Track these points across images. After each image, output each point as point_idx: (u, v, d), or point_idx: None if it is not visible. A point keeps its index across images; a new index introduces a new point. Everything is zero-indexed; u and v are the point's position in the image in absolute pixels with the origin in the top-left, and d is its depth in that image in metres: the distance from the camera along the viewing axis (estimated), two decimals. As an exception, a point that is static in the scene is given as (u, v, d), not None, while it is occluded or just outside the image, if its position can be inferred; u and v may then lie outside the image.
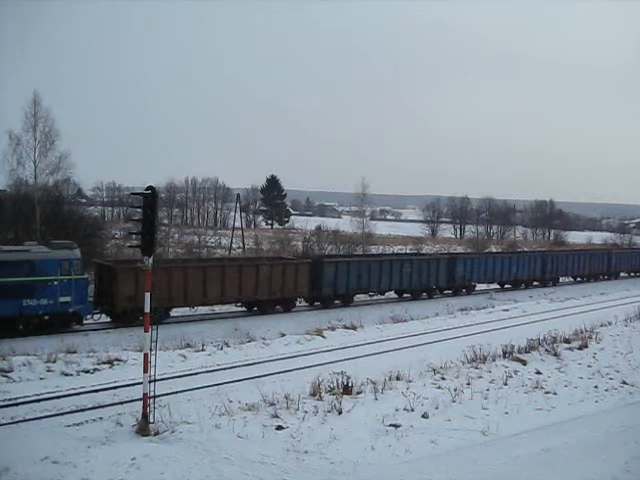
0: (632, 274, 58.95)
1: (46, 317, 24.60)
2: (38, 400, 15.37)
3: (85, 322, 25.84)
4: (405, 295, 38.23)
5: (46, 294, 24.20)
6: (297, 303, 33.48)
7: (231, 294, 29.86)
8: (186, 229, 68.68)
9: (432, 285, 39.28)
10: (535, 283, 47.58)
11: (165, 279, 26.77)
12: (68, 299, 24.79)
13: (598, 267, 54.31)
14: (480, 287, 43.30)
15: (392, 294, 38.23)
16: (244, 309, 31.72)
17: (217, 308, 31.41)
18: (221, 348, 21.70)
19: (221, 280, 29.21)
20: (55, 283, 24.43)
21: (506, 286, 45.54)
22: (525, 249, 70.20)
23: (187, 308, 29.56)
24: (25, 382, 16.86)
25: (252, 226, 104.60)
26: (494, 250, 65.51)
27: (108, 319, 26.96)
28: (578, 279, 52.86)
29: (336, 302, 34.33)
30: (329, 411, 13.47)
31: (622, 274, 57.98)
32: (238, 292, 29.98)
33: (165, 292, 26.32)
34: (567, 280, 52.31)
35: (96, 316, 26.44)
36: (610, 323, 27.24)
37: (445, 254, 48.52)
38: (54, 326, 24.50)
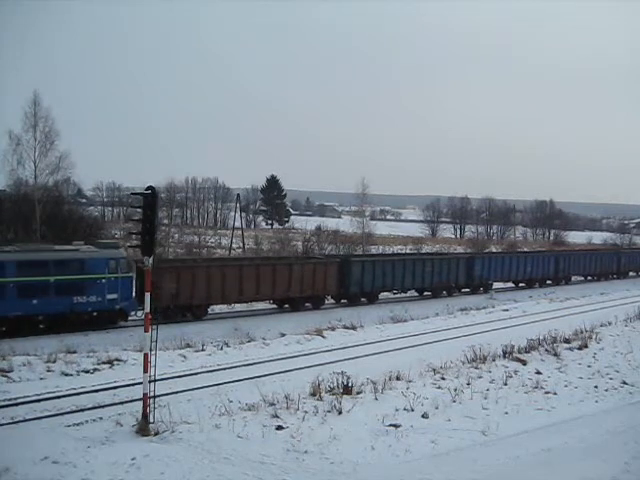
0: None
1: (94, 313, 25.64)
2: (38, 400, 15.37)
3: (129, 318, 26.78)
4: (425, 293, 39.50)
5: (95, 291, 25.38)
6: (326, 301, 34.72)
7: (265, 292, 31.28)
8: (186, 229, 68.72)
9: (452, 283, 40.47)
10: (548, 282, 48.65)
11: (204, 278, 28.60)
12: (115, 296, 26.00)
13: (608, 266, 55.50)
14: (496, 285, 44.49)
15: (408, 292, 39.33)
16: (275, 306, 33.09)
17: (240, 305, 32.23)
18: (221, 348, 21.70)
19: (256, 278, 30.63)
20: (103, 281, 25.63)
21: (520, 285, 46.71)
22: (525, 249, 70.28)
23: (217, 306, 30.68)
24: (25, 382, 16.86)
25: (252, 226, 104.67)
26: (494, 250, 65.64)
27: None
28: (588, 278, 53.92)
29: (362, 300, 35.59)
30: (329, 411, 13.46)
31: (631, 273, 58.99)
32: (272, 290, 31.39)
33: (204, 290, 28.38)
34: (578, 279, 53.37)
35: (139, 313, 26.88)
36: (610, 323, 27.23)
37: (464, 254, 49.87)
38: (101, 322, 25.59)
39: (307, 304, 33.19)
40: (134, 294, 26.92)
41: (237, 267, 31.03)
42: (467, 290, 41.66)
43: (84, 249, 26.42)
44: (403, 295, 39.04)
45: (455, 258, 42.45)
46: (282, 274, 31.71)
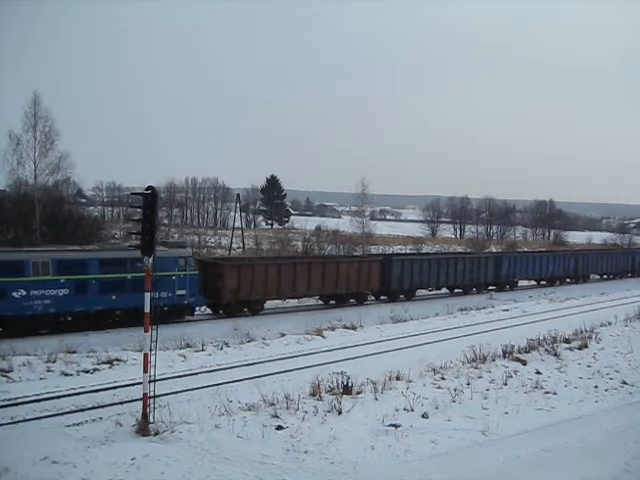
0: None
1: (166, 308, 26.60)
2: (38, 400, 15.36)
3: (195, 313, 28.99)
4: (456, 290, 41.63)
5: (166, 288, 26.89)
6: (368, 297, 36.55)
7: (316, 288, 33.29)
8: (186, 229, 68.77)
9: (481, 281, 42.59)
10: (567, 280, 50.68)
11: (262, 275, 30.62)
12: (184, 292, 27.88)
13: (624, 266, 57.91)
14: (521, 283, 46.82)
15: (439, 290, 41.25)
16: (321, 302, 35.04)
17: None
18: (221, 348, 21.69)
19: (307, 275, 32.62)
20: (173, 278, 27.45)
21: (542, 282, 48.85)
22: (525, 249, 70.28)
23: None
24: (25, 382, 16.85)
25: (252, 226, 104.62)
26: (494, 250, 65.82)
27: (209, 311, 30.34)
28: (604, 276, 56.04)
29: (401, 297, 37.62)
30: (329, 411, 13.46)
31: None
32: (321, 286, 33.36)
33: (262, 286, 30.37)
34: (595, 277, 55.45)
35: (202, 308, 29.51)
36: (610, 323, 27.24)
37: (492, 253, 52.10)
38: (171, 317, 26.84)
39: (351, 300, 35.03)
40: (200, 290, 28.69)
41: (291, 265, 32.97)
42: (493, 287, 43.43)
43: (156, 248, 27.02)
44: (437, 292, 40.77)
45: (484, 257, 44.77)
46: (330, 272, 33.67)
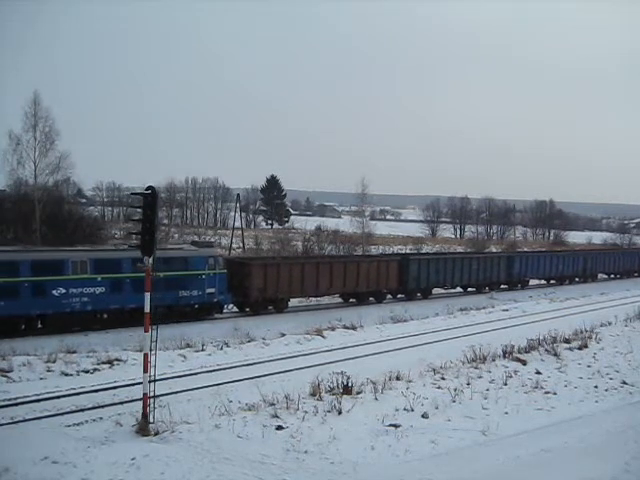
0: None
1: (196, 306, 28.70)
2: (38, 400, 15.36)
3: (224, 311, 30.21)
4: (469, 289, 42.70)
5: (197, 286, 28.38)
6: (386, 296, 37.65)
7: (337, 286, 34.49)
8: (186, 229, 68.82)
9: (494, 280, 43.62)
10: (576, 279, 51.82)
11: (287, 274, 31.77)
12: (213, 290, 28.97)
13: (631, 265, 59.17)
14: (532, 282, 47.96)
15: (453, 288, 42.50)
16: (341, 300, 36.09)
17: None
18: (221, 348, 21.69)
19: (330, 275, 33.79)
20: (203, 277, 28.59)
21: (551, 281, 49.96)
22: (525, 249, 70.29)
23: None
24: (25, 382, 16.85)
25: (252, 226, 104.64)
26: (494, 250, 65.89)
27: (235, 309, 31.46)
28: (611, 276, 57.05)
29: (418, 295, 38.78)
30: (329, 411, 13.46)
31: None
32: (343, 285, 34.54)
33: (286, 285, 31.63)
34: (603, 277, 56.36)
35: (229, 305, 30.65)
36: (610, 323, 27.24)
37: (504, 253, 52.61)
38: (201, 314, 28.65)
39: (371, 298, 36.09)
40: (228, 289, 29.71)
41: (314, 264, 34.08)
42: (506, 286, 44.73)
43: (187, 248, 30.34)
44: (451, 291, 41.95)
45: (497, 257, 45.92)
46: (351, 271, 34.82)
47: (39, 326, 24.79)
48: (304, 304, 34.56)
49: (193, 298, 28.45)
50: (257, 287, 30.51)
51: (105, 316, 26.38)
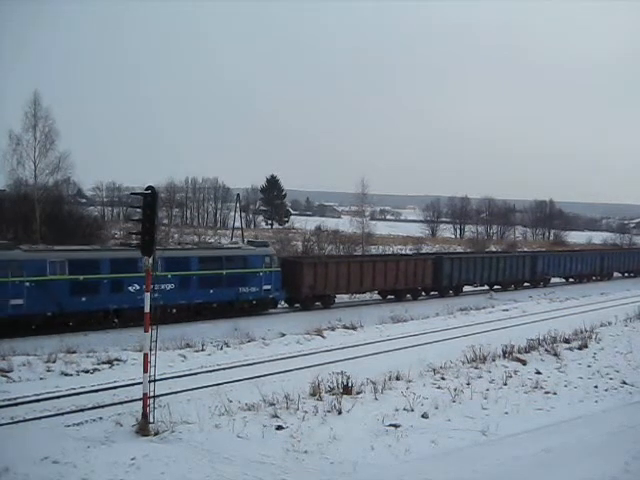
0: None
1: (254, 302, 30.50)
2: (38, 400, 15.36)
3: (278, 306, 32.30)
4: (495, 287, 44.18)
5: (254, 283, 30.26)
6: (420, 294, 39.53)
7: (379, 284, 36.57)
8: (186, 229, 68.65)
9: (519, 278, 45.99)
10: (593, 278, 53.78)
11: (334, 272, 33.89)
12: (269, 287, 30.87)
13: None
14: (553, 280, 49.98)
15: (482, 286, 44.21)
16: (380, 297, 37.86)
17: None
18: (221, 348, 21.69)
19: (372, 273, 35.83)
20: (260, 274, 30.49)
21: (570, 280, 52.02)
22: (525, 248, 70.30)
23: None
24: (25, 382, 16.85)
25: (252, 226, 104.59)
26: (493, 249, 66.00)
27: (285, 305, 33.35)
28: (626, 274, 58.84)
29: (450, 292, 40.59)
30: (329, 411, 13.46)
31: None
32: (384, 282, 36.59)
33: (334, 282, 33.71)
34: (618, 275, 58.03)
35: (282, 301, 32.69)
36: (610, 323, 27.24)
37: (528, 252, 55.31)
38: (258, 309, 30.58)
39: (407, 295, 37.95)
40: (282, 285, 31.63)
41: (358, 263, 36.15)
42: (528, 284, 46.80)
43: (245, 247, 32.55)
44: (479, 288, 43.77)
45: (522, 256, 48.37)
46: (391, 269, 36.89)
47: (115, 320, 26.12)
48: (345, 301, 36.24)
49: (251, 294, 30.25)
50: (308, 284, 32.61)
51: (174, 311, 27.54)
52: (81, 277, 25.18)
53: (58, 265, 24.76)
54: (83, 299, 25.05)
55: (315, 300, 33.56)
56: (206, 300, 28.81)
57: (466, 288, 42.44)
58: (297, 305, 33.24)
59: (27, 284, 23.97)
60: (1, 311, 23.37)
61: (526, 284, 46.91)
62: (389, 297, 37.80)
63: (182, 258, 28.58)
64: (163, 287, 26.77)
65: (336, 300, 35.02)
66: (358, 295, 37.30)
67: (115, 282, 26.05)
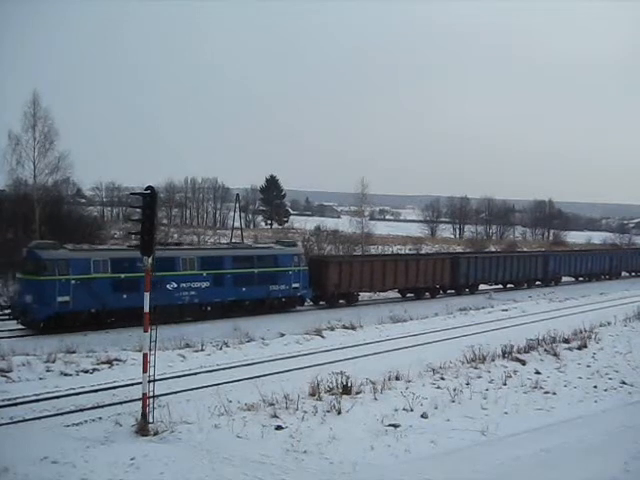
0: None
1: (283, 299, 31.82)
2: (37, 400, 15.37)
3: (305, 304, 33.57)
4: (509, 285, 45.91)
5: (284, 281, 31.55)
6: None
7: (400, 282, 37.96)
8: (185, 229, 68.62)
9: (532, 277, 47.34)
10: (602, 277, 55.15)
11: (358, 270, 35.18)
12: (298, 285, 32.16)
13: None
14: (564, 279, 51.73)
15: (496, 285, 45.58)
16: (400, 296, 39.27)
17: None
18: (220, 348, 21.69)
19: (394, 271, 37.17)
20: (290, 273, 31.78)
21: (580, 279, 53.36)
22: (525, 248, 70.36)
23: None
24: (24, 382, 16.85)
25: (251, 226, 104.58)
26: (493, 249, 66.16)
27: (310, 302, 34.42)
28: (632, 274, 59.79)
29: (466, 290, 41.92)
30: (328, 411, 13.46)
31: None
32: (405, 281, 37.94)
33: (358, 280, 34.98)
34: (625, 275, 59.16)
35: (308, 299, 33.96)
36: (609, 323, 27.23)
37: (540, 252, 56.17)
38: (287, 306, 31.95)
39: (426, 294, 39.37)
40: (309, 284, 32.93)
41: (381, 262, 37.60)
42: (540, 283, 48.19)
43: (276, 247, 33.87)
44: (493, 287, 44.79)
45: (534, 256, 49.78)
46: (412, 268, 38.14)
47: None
48: (365, 299, 37.17)
49: (281, 292, 31.59)
50: (333, 282, 33.90)
51: (209, 308, 28.77)
52: (122, 275, 26.11)
53: (101, 264, 25.77)
54: (124, 296, 25.75)
55: (340, 298, 34.73)
56: (239, 298, 29.92)
57: (482, 287, 43.84)
58: (322, 303, 34.43)
59: (73, 282, 24.87)
60: (49, 308, 24.42)
61: (538, 283, 48.07)
62: (408, 295, 39.14)
63: (217, 257, 29.75)
64: (198, 285, 28.19)
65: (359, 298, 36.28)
66: (381, 294, 38.61)
67: (154, 280, 26.03)
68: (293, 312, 31.86)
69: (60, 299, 24.55)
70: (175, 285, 27.32)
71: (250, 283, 30.22)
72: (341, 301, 34.81)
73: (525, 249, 71.18)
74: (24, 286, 25.35)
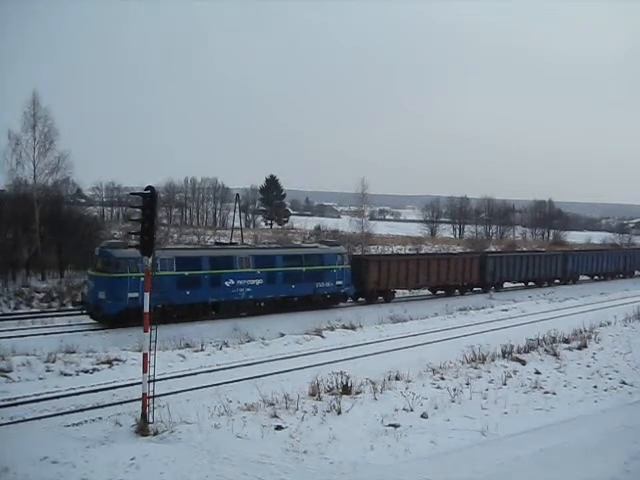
0: None
1: (328, 296, 33.44)
2: (37, 400, 15.37)
3: (347, 300, 35.05)
4: (530, 283, 47.81)
5: (329, 279, 33.28)
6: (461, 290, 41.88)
7: (432, 280, 39.65)
8: (185, 229, 68.61)
9: (552, 275, 49.34)
10: (617, 276, 56.93)
11: (395, 269, 37.01)
12: (341, 283, 33.80)
13: None
14: (581, 278, 53.35)
15: (520, 282, 47.42)
16: (430, 293, 41.02)
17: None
18: (220, 348, 21.69)
19: (427, 270, 38.96)
20: (334, 271, 33.46)
21: (595, 277, 55.16)
22: (524, 248, 70.32)
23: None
24: (24, 382, 16.86)
25: (251, 226, 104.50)
26: (492, 249, 66.17)
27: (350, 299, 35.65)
28: None
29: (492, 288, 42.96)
30: (328, 411, 13.46)
31: None
32: (437, 279, 39.67)
33: (395, 278, 36.85)
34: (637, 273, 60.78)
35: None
36: (609, 323, 27.23)
37: (560, 251, 58.05)
38: (331, 303, 33.53)
39: (456, 291, 40.90)
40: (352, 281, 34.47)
41: (415, 261, 39.55)
42: (558, 281, 49.95)
43: (321, 247, 35.72)
44: (518, 285, 46.88)
45: (555, 255, 51.94)
46: (443, 266, 39.89)
47: (213, 312, 28.72)
48: (399, 296, 38.68)
49: (327, 289, 33.17)
50: (373, 280, 35.64)
51: (262, 304, 30.53)
52: (186, 273, 27.86)
53: (167, 262, 27.12)
54: (187, 293, 27.71)
55: (378, 295, 36.39)
56: (289, 294, 31.77)
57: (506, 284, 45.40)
58: (361, 299, 36.02)
59: (142, 279, 25.47)
60: (121, 303, 25.99)
61: (556, 281, 49.81)
62: (438, 292, 40.73)
63: (269, 256, 31.65)
64: (253, 282, 29.97)
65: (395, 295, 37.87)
66: (415, 291, 40.42)
67: (214, 277, 28.72)
68: (336, 308, 33.21)
69: (131, 295, 25.89)
70: (232, 282, 29.01)
71: (299, 280, 31.91)
72: (380, 298, 36.32)
73: (524, 249, 71.15)
74: (97, 283, 26.79)
